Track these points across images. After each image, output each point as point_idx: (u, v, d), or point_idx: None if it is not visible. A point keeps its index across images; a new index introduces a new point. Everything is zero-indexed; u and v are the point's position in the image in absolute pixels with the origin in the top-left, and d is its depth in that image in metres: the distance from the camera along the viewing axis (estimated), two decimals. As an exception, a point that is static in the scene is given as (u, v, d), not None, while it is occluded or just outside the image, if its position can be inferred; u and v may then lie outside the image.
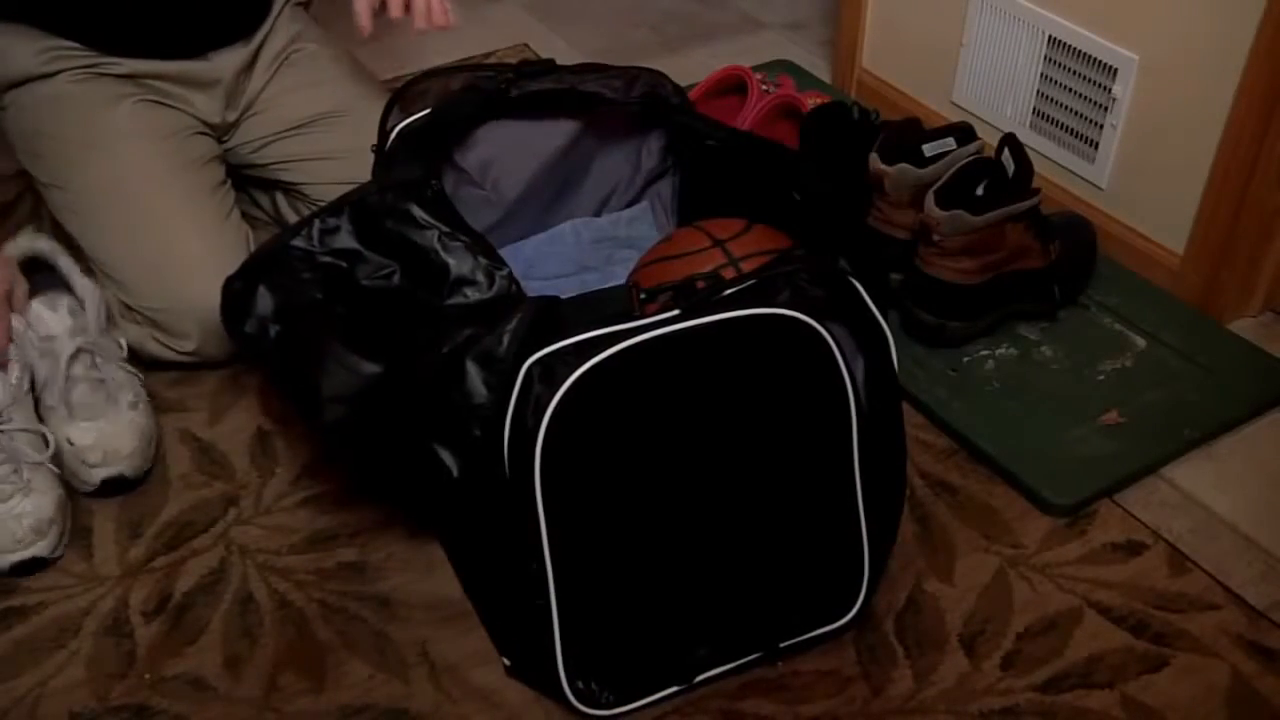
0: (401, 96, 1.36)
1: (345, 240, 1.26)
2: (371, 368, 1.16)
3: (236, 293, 1.24)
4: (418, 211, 1.23)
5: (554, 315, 1.10)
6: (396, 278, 1.26)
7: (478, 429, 1.08)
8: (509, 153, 1.45)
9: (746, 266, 1.29)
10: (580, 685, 1.12)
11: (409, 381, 1.14)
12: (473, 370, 1.08)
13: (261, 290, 1.23)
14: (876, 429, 1.13)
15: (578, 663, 1.11)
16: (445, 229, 1.22)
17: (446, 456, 1.12)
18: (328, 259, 1.26)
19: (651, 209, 1.60)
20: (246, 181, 1.65)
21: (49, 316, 1.36)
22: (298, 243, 1.26)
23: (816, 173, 1.55)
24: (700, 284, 1.08)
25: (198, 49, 1.52)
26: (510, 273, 1.23)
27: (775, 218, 1.36)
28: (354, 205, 1.25)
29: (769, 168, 1.42)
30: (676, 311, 1.06)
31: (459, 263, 1.22)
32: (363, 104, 1.60)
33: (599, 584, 1.09)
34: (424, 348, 1.13)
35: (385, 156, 1.35)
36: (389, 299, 1.25)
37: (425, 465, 1.12)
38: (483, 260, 1.20)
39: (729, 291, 1.09)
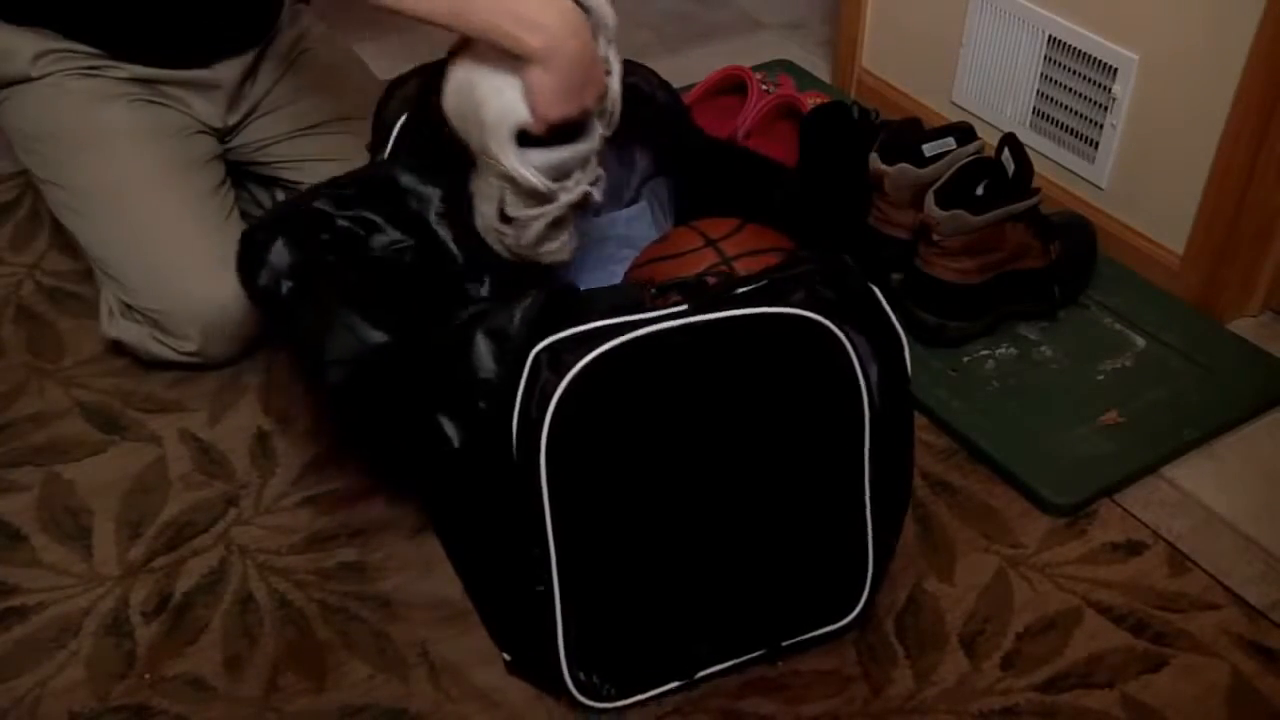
0: (393, 93, 1.36)
1: (366, 209, 1.26)
2: (378, 336, 1.15)
3: (256, 243, 1.23)
4: (439, 205, 1.23)
5: (569, 303, 1.10)
6: (410, 255, 1.26)
7: (483, 402, 1.08)
8: None
9: (740, 265, 1.29)
10: (581, 676, 1.12)
11: (418, 349, 1.13)
12: (481, 343, 1.08)
13: (279, 244, 1.22)
14: (887, 433, 1.13)
15: (579, 653, 1.11)
16: (461, 228, 1.23)
17: (449, 426, 1.11)
18: (345, 223, 1.25)
19: (650, 208, 1.60)
20: (246, 178, 1.65)
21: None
22: (319, 204, 1.25)
23: (800, 183, 1.55)
24: (711, 279, 1.08)
25: (204, 60, 1.52)
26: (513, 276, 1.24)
27: (767, 218, 1.37)
28: (380, 181, 1.25)
29: (750, 178, 1.43)
30: (686, 307, 1.06)
31: (470, 262, 1.22)
32: (366, 105, 1.59)
33: (602, 574, 1.09)
34: (437, 317, 1.13)
35: (410, 131, 1.34)
36: (400, 273, 1.25)
37: (427, 433, 1.12)
38: (491, 265, 1.21)
39: (741, 290, 1.08)
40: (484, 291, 1.28)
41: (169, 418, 1.45)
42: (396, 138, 1.34)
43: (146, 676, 1.17)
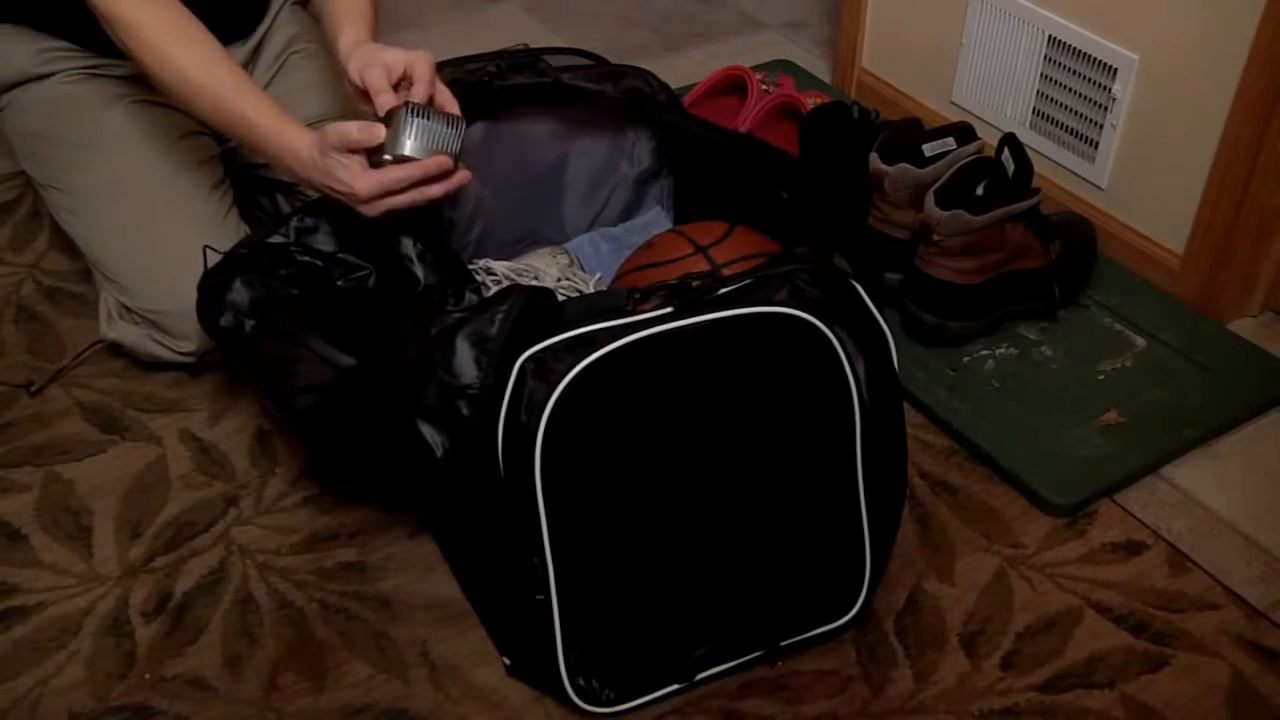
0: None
1: (323, 241, 1.27)
2: (347, 360, 1.16)
3: (212, 287, 1.24)
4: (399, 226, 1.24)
5: (547, 306, 1.10)
6: (372, 280, 1.26)
7: (466, 409, 1.07)
8: (501, 148, 1.46)
9: (729, 273, 1.29)
10: (581, 682, 1.12)
11: (396, 360, 1.13)
12: (463, 348, 1.07)
13: (237, 284, 1.23)
14: (878, 429, 1.13)
15: (579, 660, 1.11)
16: (420, 242, 1.23)
17: (430, 434, 1.10)
18: (305, 258, 1.26)
19: (664, 213, 1.61)
20: (252, 185, 1.65)
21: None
22: (275, 239, 1.27)
23: (805, 172, 1.55)
24: (695, 283, 1.08)
25: None
26: (479, 287, 1.24)
27: (765, 216, 1.36)
28: (334, 205, 1.25)
29: (755, 167, 1.43)
30: (670, 309, 1.05)
31: (430, 276, 1.23)
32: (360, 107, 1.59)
33: (600, 580, 1.09)
34: (414, 328, 1.13)
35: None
36: (364, 300, 1.26)
37: (408, 444, 1.11)
38: (454, 275, 1.21)
39: (724, 290, 1.08)
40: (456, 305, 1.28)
41: (169, 418, 1.45)
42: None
43: (146, 676, 1.17)
